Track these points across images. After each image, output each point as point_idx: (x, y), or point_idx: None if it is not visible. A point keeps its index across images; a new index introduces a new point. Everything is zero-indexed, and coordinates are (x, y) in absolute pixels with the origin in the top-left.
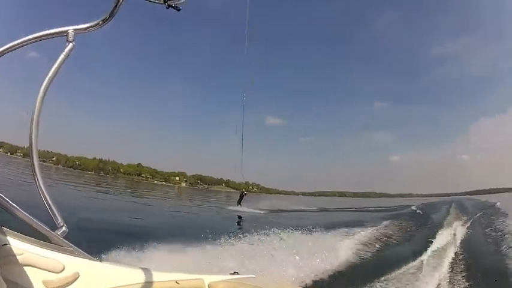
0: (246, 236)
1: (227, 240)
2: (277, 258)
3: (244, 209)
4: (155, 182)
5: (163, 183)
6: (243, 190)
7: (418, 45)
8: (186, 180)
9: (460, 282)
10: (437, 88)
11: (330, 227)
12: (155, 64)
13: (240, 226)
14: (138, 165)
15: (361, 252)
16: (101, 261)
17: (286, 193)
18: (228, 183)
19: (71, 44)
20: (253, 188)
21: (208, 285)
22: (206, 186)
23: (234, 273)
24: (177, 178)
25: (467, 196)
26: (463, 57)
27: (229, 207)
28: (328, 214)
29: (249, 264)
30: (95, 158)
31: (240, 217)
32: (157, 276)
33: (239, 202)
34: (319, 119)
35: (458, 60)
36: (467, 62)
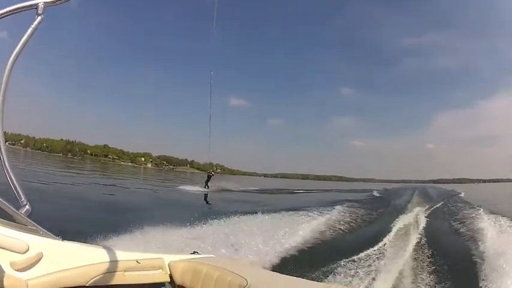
0: (207, 216)
1: (188, 220)
2: (237, 239)
3: (203, 189)
4: (121, 163)
5: (130, 164)
6: (210, 171)
7: (391, 35)
8: (151, 161)
9: (423, 267)
10: (406, 78)
11: (291, 208)
12: (124, 46)
13: (200, 207)
14: (105, 146)
15: (322, 234)
16: (63, 240)
17: (250, 174)
18: (192, 164)
19: (39, 17)
20: (217, 169)
21: (168, 265)
22: (171, 167)
23: (194, 252)
24: (143, 159)
25: (431, 184)
26: (435, 51)
27: (187, 188)
28: (289, 196)
29: (209, 245)
30: (61, 140)
31: (206, 200)
32: (118, 256)
33: (206, 183)
34: (285, 102)
35: (430, 53)
36: (440, 55)
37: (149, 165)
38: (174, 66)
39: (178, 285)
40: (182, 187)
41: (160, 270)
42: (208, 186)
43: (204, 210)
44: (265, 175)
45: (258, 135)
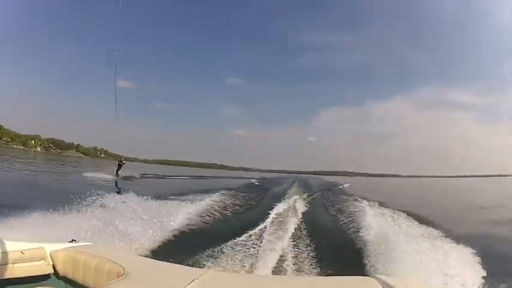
0: (87, 203)
1: (66, 207)
2: (116, 226)
3: (115, 177)
4: (14, 146)
5: (21, 147)
6: (121, 159)
7: (286, 30)
8: (40, 144)
9: (302, 252)
10: (297, 72)
11: (169, 194)
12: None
13: (81, 193)
14: (0, 127)
15: (200, 221)
16: None
17: (131, 160)
18: (78, 148)
19: None
20: (100, 154)
21: (50, 255)
22: (59, 151)
23: (72, 241)
24: (33, 142)
25: (313, 175)
26: (328, 50)
27: (84, 174)
28: (168, 181)
29: (88, 232)
30: None
31: (116, 187)
32: (7, 246)
33: (117, 172)
34: (170, 87)
35: (324, 52)
36: (333, 54)
37: (38, 148)
38: (64, 41)
39: (62, 276)
40: (88, 174)
41: (43, 261)
42: (118, 175)
43: (80, 196)
44: (146, 161)
45: (142, 119)
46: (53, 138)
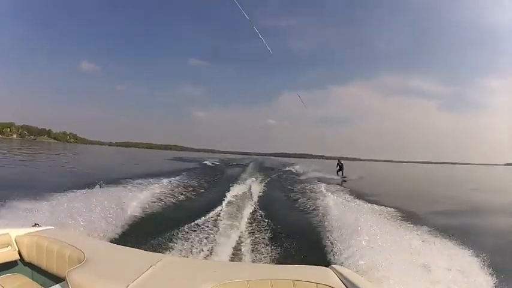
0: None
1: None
2: (74, 211)
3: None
4: None
5: (0, 136)
6: (339, 160)
7: (248, 12)
8: (16, 132)
9: (260, 235)
10: (255, 55)
11: (122, 178)
12: None
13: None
14: None
15: (155, 204)
16: None
17: (97, 143)
18: (50, 134)
19: None
20: (70, 139)
21: (15, 240)
22: (33, 137)
23: (35, 225)
24: (9, 129)
25: (270, 157)
26: (291, 34)
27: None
28: (126, 165)
29: (50, 217)
30: None
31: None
32: None
33: (338, 172)
34: (134, 69)
35: (285, 35)
36: (295, 38)
37: (14, 136)
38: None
39: (28, 262)
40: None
41: (10, 247)
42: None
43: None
44: (110, 143)
45: (106, 101)
46: (27, 125)
